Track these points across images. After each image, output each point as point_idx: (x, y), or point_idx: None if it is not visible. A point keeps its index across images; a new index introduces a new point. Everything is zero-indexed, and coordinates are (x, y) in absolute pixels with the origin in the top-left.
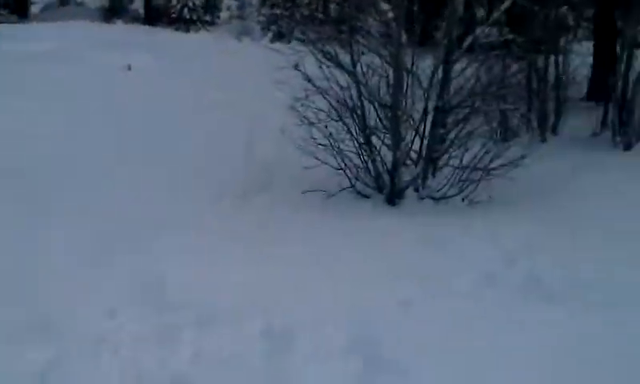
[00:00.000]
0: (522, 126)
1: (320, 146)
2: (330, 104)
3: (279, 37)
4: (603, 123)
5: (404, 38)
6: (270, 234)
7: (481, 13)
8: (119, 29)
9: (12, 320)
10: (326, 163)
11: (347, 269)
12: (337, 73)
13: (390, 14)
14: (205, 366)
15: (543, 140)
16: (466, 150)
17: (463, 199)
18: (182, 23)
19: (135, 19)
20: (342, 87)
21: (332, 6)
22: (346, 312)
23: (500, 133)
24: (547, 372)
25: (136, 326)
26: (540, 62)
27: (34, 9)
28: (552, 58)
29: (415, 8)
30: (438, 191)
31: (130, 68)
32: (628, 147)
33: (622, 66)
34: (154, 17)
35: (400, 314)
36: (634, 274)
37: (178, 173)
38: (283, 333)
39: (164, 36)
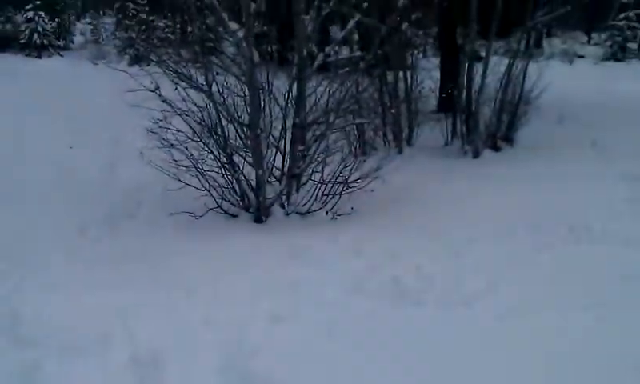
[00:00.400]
0: (378, 140)
1: (182, 168)
2: (190, 125)
3: (137, 60)
4: (453, 133)
5: (256, 56)
6: (135, 259)
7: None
8: None
9: None
10: (190, 185)
11: (217, 288)
12: (194, 94)
13: (240, 34)
14: None
15: (399, 151)
16: (326, 164)
17: (327, 212)
18: (34, 49)
19: None
20: (199, 108)
21: (189, 29)
22: (217, 332)
23: (358, 147)
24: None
25: None
26: (390, 77)
27: None
28: (401, 74)
29: (266, 29)
30: (303, 206)
31: None
32: (476, 155)
33: (465, 79)
34: (2, 43)
35: (272, 328)
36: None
37: (38, 207)
38: (153, 359)
39: (13, 63)
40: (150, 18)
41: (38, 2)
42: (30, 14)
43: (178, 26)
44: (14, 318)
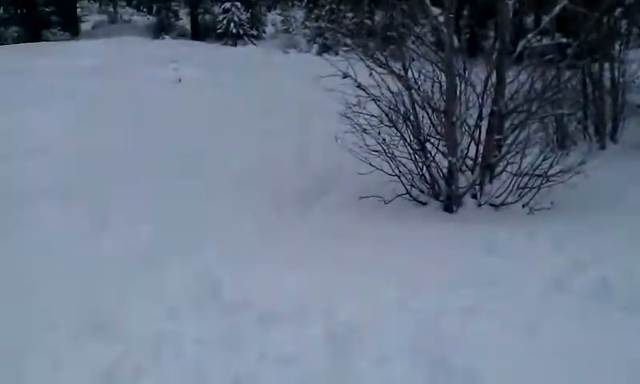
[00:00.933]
0: (579, 133)
1: (373, 153)
2: (382, 111)
3: (325, 49)
4: None
5: (455, 42)
6: (328, 240)
7: (530, 19)
8: (167, 44)
9: (76, 320)
10: (380, 169)
11: (408, 275)
12: (388, 79)
13: (441, 18)
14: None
15: (602, 147)
16: (524, 156)
17: (524, 206)
18: (229, 38)
19: (182, 35)
20: (393, 93)
21: (377, 17)
22: (412, 316)
23: (557, 140)
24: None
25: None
26: (595, 67)
27: (85, 26)
28: (607, 64)
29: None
30: (497, 198)
31: (180, 80)
32: None
33: None
34: (200, 32)
35: (463, 320)
36: None
37: (236, 182)
38: (347, 334)
39: (211, 50)
40: (340, 7)
41: None
42: (227, 5)
43: (367, 14)
44: (218, 287)
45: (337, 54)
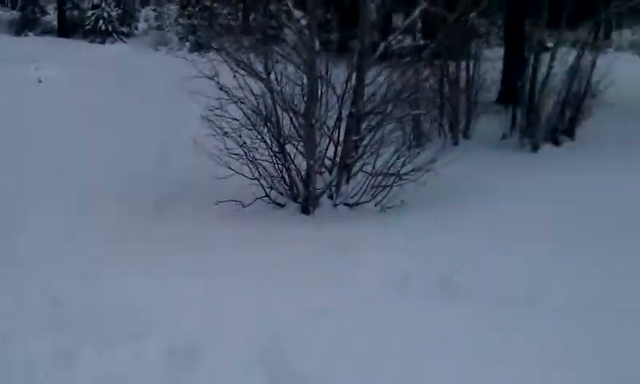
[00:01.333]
0: (434, 131)
1: (234, 156)
2: (244, 113)
3: (198, 47)
4: (512, 126)
5: (317, 45)
6: (178, 247)
7: (399, 21)
8: (31, 41)
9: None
10: (241, 173)
11: (258, 279)
12: (251, 82)
13: (304, 22)
14: None
15: (455, 143)
16: (379, 156)
17: (376, 205)
18: (97, 35)
19: (48, 32)
20: (256, 96)
21: (251, 17)
22: (255, 324)
23: (413, 138)
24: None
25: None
26: (452, 67)
27: None
28: (463, 63)
29: (329, 16)
30: (351, 197)
31: (40, 81)
32: (535, 149)
33: (530, 70)
34: (67, 29)
35: (312, 323)
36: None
37: (88, 186)
38: (189, 349)
39: (78, 48)
40: (213, 4)
41: None
42: (97, 1)
43: (241, 13)
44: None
45: (209, 52)
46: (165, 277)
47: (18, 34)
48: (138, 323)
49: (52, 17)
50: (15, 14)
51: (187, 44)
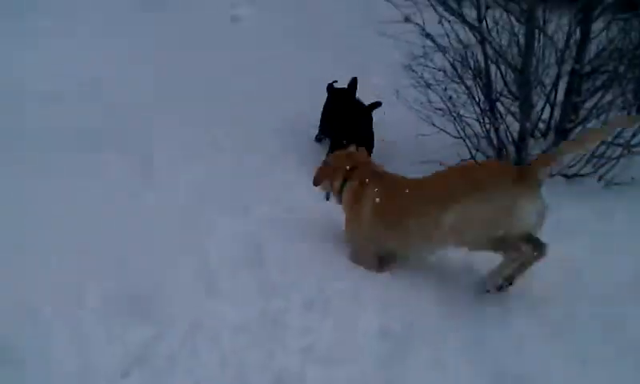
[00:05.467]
0: None
1: (438, 111)
2: (450, 64)
3: None
4: None
5: None
6: None
7: None
8: None
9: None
10: (445, 130)
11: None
12: (459, 28)
13: None
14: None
15: None
16: (605, 122)
17: (599, 179)
18: None
19: None
20: (464, 45)
21: None
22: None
23: (636, 101)
24: None
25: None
26: None
27: None
28: None
29: None
30: (570, 168)
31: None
32: None
33: None
34: None
35: None
36: None
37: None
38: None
39: None
40: None
41: None
42: None
43: None
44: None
45: None
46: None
47: None
48: None
49: None
50: None
51: None
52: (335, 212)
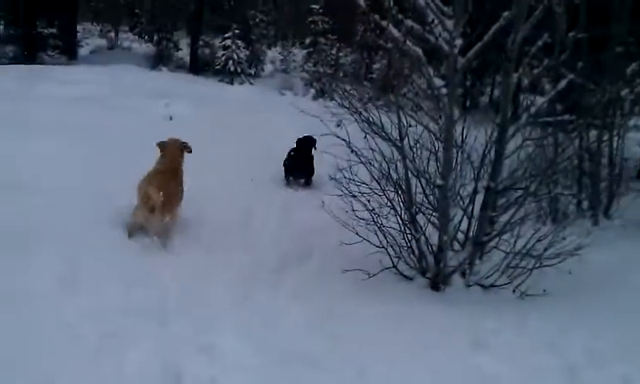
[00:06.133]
0: (572, 207)
1: (361, 220)
2: (373, 176)
3: (321, 94)
4: None
5: (456, 114)
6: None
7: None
8: (164, 76)
9: None
10: (367, 240)
11: (390, 370)
12: (381, 142)
13: (444, 90)
14: None
15: (595, 222)
16: (518, 235)
17: (514, 290)
18: (226, 75)
19: (180, 67)
20: (386, 159)
21: (375, 69)
22: None
23: (550, 213)
24: None
25: None
26: (592, 138)
27: (83, 51)
28: (605, 136)
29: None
30: (486, 278)
31: (170, 118)
32: None
33: None
34: (198, 66)
35: None
36: None
37: (211, 236)
38: None
39: (207, 87)
40: (339, 53)
41: (237, 31)
42: (228, 42)
43: (366, 62)
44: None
45: (332, 100)
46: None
47: (152, 67)
48: None
49: (184, 52)
50: (151, 48)
51: (312, 90)
52: None
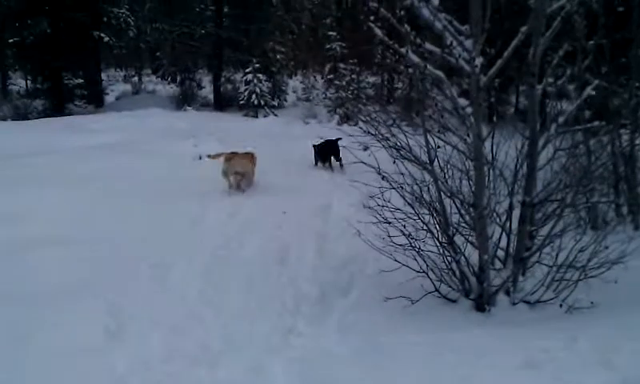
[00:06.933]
0: (611, 214)
1: (399, 246)
2: (406, 201)
3: (346, 119)
4: None
5: (483, 132)
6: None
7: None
8: (190, 116)
9: None
10: (406, 265)
11: None
12: (410, 165)
13: (469, 110)
14: None
15: (636, 227)
16: (560, 247)
17: (561, 304)
18: (251, 108)
19: (205, 105)
20: (417, 182)
21: (396, 88)
22: None
23: (589, 222)
24: None
25: None
26: (625, 141)
27: (109, 98)
28: (638, 138)
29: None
30: (531, 294)
31: (200, 157)
32: None
33: None
34: (222, 103)
35: None
36: None
37: (249, 272)
38: None
39: (233, 122)
40: (360, 77)
41: (257, 65)
42: (250, 77)
43: (387, 85)
44: None
45: (356, 124)
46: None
47: (178, 108)
48: None
49: (207, 90)
50: (175, 89)
51: (336, 117)
52: None
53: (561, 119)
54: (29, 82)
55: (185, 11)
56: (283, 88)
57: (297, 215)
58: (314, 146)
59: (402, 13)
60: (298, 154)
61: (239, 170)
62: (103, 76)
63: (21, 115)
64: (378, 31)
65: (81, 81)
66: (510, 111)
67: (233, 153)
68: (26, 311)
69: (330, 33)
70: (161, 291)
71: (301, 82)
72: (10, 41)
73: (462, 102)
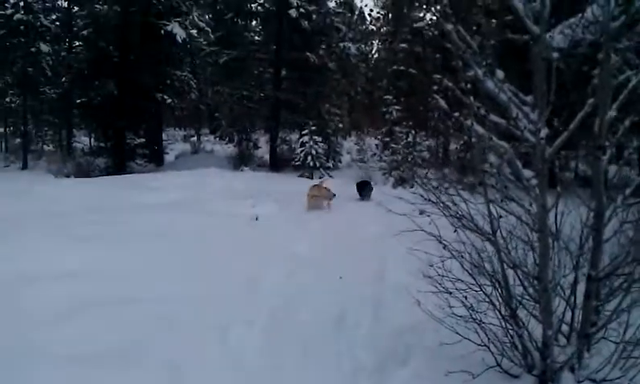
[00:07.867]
0: None
1: (458, 317)
2: (466, 270)
3: (401, 182)
4: None
5: (549, 202)
6: None
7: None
8: (246, 176)
9: None
10: (467, 338)
11: None
12: (471, 234)
13: (534, 181)
14: None
15: None
16: (627, 324)
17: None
18: (306, 169)
19: (261, 166)
20: (478, 251)
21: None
22: None
23: None
24: None
25: None
26: None
27: (169, 157)
28: None
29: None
30: (597, 372)
31: (257, 218)
32: None
33: None
34: (278, 164)
35: None
36: None
37: (306, 337)
38: None
39: (289, 183)
40: (415, 140)
41: (314, 128)
42: (306, 138)
43: (443, 148)
44: None
45: (412, 186)
46: None
47: (235, 168)
48: None
49: (264, 150)
50: (232, 149)
51: (391, 179)
52: None
53: (628, 191)
54: (92, 139)
55: (244, 74)
56: (337, 149)
57: (352, 280)
58: (356, 183)
59: (468, 86)
60: (352, 219)
61: (315, 194)
62: (163, 135)
63: (83, 172)
64: (442, 102)
65: (142, 140)
66: (570, 177)
67: (315, 186)
68: (86, 372)
69: (387, 96)
70: (220, 354)
71: (355, 144)
72: (78, 101)
73: (527, 173)
